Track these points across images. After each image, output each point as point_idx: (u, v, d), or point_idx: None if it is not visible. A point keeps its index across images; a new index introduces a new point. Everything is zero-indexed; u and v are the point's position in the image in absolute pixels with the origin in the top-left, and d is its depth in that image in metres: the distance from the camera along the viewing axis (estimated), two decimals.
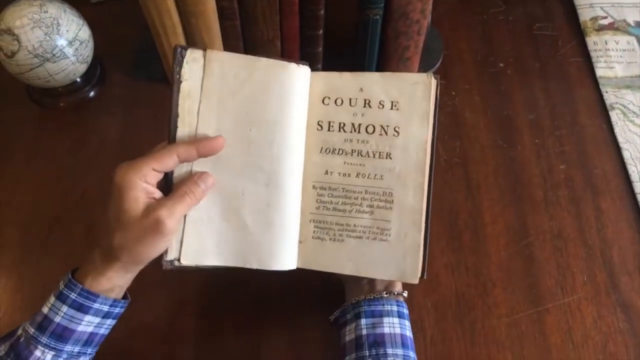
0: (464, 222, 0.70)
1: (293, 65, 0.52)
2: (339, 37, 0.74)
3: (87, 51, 0.73)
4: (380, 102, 0.53)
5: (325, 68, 0.75)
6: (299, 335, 0.63)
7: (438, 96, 0.53)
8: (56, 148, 0.74)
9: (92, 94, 0.78)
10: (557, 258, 0.68)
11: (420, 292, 0.65)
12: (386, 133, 0.53)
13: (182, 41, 0.71)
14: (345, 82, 0.54)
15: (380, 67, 0.75)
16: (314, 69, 0.54)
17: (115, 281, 0.48)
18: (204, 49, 0.51)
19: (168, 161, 0.48)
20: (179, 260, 0.50)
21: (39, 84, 0.72)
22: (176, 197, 0.48)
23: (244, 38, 0.71)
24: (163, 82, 0.78)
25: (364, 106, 0.53)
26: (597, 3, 0.88)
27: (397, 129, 0.53)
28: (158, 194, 0.48)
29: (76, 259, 0.64)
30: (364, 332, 0.53)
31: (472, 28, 0.87)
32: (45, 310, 0.47)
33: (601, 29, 0.85)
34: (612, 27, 0.86)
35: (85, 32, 0.72)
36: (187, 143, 0.49)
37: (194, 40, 0.70)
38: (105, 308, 0.48)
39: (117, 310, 0.50)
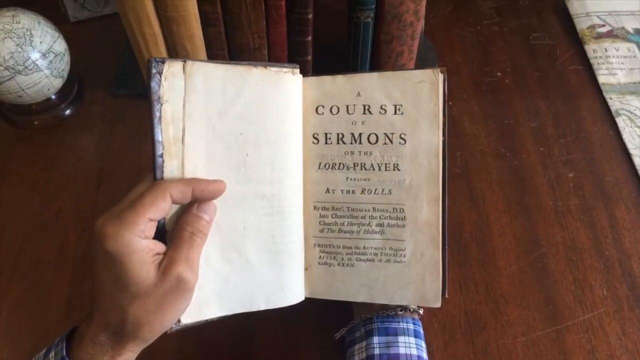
0: (469, 234, 0.64)
1: (288, 75, 0.46)
2: (329, 43, 0.71)
3: (63, 65, 0.69)
4: (381, 107, 0.47)
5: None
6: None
7: (447, 93, 0.46)
8: (28, 167, 0.69)
9: (68, 112, 0.73)
10: (573, 270, 0.62)
11: (425, 312, 0.58)
12: (391, 141, 0.47)
13: (163, 52, 0.67)
14: (340, 86, 0.48)
15: None
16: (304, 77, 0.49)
17: None
18: (184, 61, 0.43)
19: (164, 206, 0.39)
20: (179, 320, 0.42)
21: (11, 100, 0.68)
22: (185, 243, 0.40)
23: (228, 46, 0.68)
24: (143, 98, 0.74)
25: (364, 113, 0.48)
26: (593, 12, 0.85)
27: (403, 135, 0.47)
28: (161, 246, 0.40)
29: (45, 283, 0.60)
30: (377, 351, 0.47)
31: (466, 39, 0.84)
32: None
33: (599, 37, 0.83)
34: (611, 35, 0.83)
35: (60, 45, 0.68)
36: (182, 182, 0.41)
37: (175, 50, 0.66)
38: None
39: None
